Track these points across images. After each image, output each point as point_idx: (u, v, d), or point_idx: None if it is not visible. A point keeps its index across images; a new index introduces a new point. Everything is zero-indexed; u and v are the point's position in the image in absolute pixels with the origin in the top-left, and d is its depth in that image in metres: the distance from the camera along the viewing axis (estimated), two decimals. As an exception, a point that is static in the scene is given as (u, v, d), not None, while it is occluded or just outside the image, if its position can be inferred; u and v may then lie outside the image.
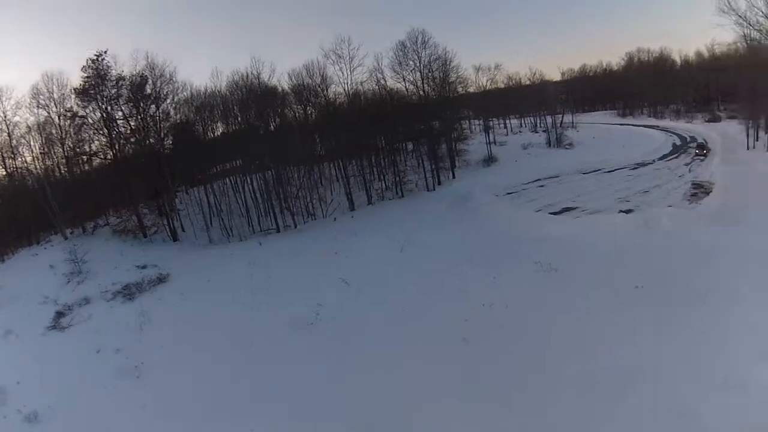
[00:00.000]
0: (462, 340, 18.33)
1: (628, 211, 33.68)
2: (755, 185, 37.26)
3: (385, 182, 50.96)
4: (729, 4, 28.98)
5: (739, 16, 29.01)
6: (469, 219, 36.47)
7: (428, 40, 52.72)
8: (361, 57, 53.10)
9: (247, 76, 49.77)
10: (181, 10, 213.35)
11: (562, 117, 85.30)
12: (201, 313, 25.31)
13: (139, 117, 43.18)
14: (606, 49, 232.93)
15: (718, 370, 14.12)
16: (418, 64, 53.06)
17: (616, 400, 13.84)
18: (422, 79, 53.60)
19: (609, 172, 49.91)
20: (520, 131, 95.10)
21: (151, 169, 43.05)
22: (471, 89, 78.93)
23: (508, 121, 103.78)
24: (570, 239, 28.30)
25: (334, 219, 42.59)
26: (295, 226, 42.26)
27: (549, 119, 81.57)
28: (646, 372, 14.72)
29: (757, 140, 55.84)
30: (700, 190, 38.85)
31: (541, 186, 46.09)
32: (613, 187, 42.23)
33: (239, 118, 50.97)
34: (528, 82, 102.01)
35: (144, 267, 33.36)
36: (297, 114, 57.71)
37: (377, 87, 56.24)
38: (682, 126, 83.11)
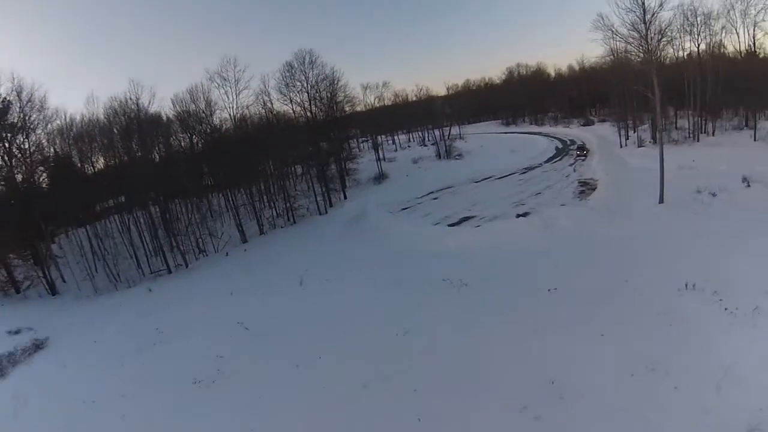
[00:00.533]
0: (380, 378, 16.08)
1: (525, 214, 34.27)
2: (631, 178, 40.65)
3: (276, 209, 48.28)
4: (602, 20, 33.89)
5: (611, 30, 33.64)
6: (366, 240, 34.86)
7: (316, 59, 52.11)
8: (247, 79, 50.98)
9: (126, 101, 45.14)
10: (50, 29, 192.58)
11: (450, 129, 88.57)
12: (86, 384, 20.33)
13: (3, 150, 36.75)
14: (488, 64, 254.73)
15: (657, 366, 13.56)
16: (305, 85, 52.27)
17: (562, 407, 12.76)
18: (309, 100, 52.77)
19: (500, 178, 51.58)
20: (408, 146, 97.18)
21: (21, 211, 36.46)
22: (359, 108, 79.98)
23: (396, 137, 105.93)
24: (474, 250, 27.66)
25: (227, 254, 39.21)
26: (187, 266, 38.13)
27: (437, 132, 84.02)
28: (586, 375, 13.81)
29: (628, 139, 61.75)
30: (586, 187, 41.25)
31: (435, 198, 46.08)
32: (506, 193, 43.30)
33: (121, 149, 45.94)
34: (415, 98, 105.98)
35: (17, 332, 27.16)
36: (183, 143, 53.76)
37: (264, 110, 54.66)
38: (561, 130, 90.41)
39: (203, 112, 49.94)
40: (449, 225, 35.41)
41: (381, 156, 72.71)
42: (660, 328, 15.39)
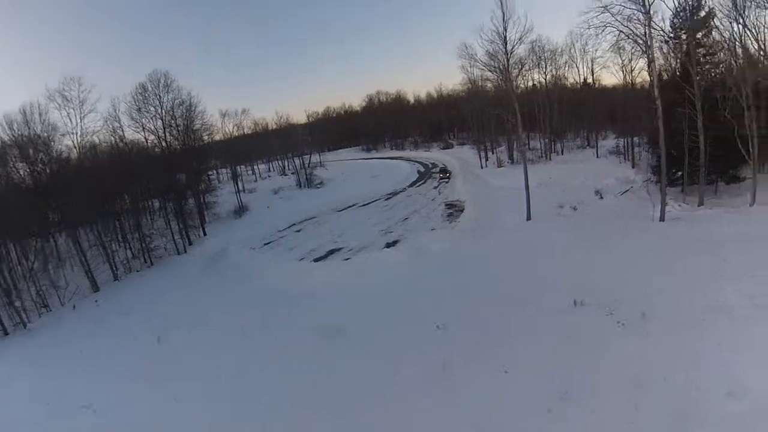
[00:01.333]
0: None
1: (394, 243, 32.89)
2: (496, 197, 42.21)
3: (131, 250, 41.90)
4: (466, 49, 39.52)
5: (473, 59, 39.38)
6: (228, 283, 30.86)
7: (171, 83, 48.07)
8: (93, 101, 44.01)
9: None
10: None
11: (310, 157, 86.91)
12: None
13: None
14: (348, 92, 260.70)
15: (569, 393, 12.38)
16: (159, 111, 47.87)
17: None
18: (164, 128, 48.35)
19: (365, 205, 50.29)
20: (269, 176, 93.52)
21: None
22: (218, 136, 75.85)
23: (256, 167, 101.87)
24: (346, 286, 25.25)
25: (74, 307, 32.36)
26: (25, 325, 30.31)
27: (297, 161, 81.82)
28: (502, 422, 12.11)
29: (487, 160, 65.05)
30: (454, 209, 41.44)
31: (299, 231, 43.17)
32: (372, 220, 41.92)
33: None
34: (275, 126, 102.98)
35: None
36: (23, 174, 44.55)
37: (113, 138, 49.08)
38: (422, 155, 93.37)
39: (38, 136, 42.40)
40: (316, 259, 32.74)
41: (241, 187, 70.05)
42: (560, 352, 14.29)
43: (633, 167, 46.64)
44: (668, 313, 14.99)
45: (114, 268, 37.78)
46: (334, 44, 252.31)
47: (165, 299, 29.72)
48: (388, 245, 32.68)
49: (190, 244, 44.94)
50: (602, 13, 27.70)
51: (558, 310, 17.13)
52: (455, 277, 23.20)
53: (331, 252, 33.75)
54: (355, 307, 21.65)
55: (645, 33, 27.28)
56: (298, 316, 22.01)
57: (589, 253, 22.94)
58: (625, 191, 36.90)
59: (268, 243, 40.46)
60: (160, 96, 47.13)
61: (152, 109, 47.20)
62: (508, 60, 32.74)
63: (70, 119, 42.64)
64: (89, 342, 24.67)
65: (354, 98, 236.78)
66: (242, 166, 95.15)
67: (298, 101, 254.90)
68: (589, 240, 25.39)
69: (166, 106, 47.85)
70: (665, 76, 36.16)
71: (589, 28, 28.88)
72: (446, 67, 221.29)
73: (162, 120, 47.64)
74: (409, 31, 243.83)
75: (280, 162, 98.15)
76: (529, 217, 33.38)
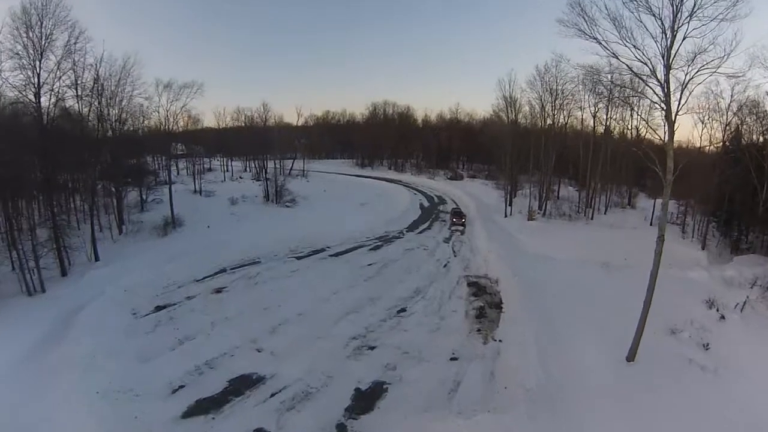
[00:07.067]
0: None
1: (374, 399, 14.47)
2: (545, 280, 25.27)
3: None
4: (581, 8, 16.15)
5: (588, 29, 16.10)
6: None
7: (65, 14, 27.24)
8: None
9: None
10: None
11: (293, 163, 68.92)
12: None
13: None
14: (351, 99, 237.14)
15: None
16: (36, 56, 26.68)
17: None
18: (40, 84, 27.28)
19: (338, 255, 31.56)
20: (240, 178, 74.87)
21: None
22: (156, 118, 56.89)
23: (231, 164, 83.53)
24: None
25: None
26: None
27: (275, 165, 63.88)
28: None
29: (510, 205, 47.90)
30: (485, 299, 23.55)
31: (219, 291, 24.27)
32: (342, 299, 23.16)
33: None
34: (260, 121, 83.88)
35: None
36: None
37: None
38: (426, 182, 75.68)
39: None
40: (196, 405, 14.05)
41: (197, 187, 54.99)
42: None
43: (703, 248, 34.21)
44: None
45: None
46: (343, 47, 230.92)
47: None
48: (359, 398, 14.58)
49: (65, 274, 26.66)
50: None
51: None
52: None
53: (236, 389, 14.87)
54: None
55: None
56: None
57: None
58: (743, 304, 22.42)
59: (161, 308, 21.64)
60: (40, 32, 26.01)
61: (24, 50, 25.95)
62: (669, 48, 14.69)
63: None
64: None
65: (356, 106, 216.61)
66: (215, 160, 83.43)
67: (294, 100, 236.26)
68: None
69: (53, 51, 27.31)
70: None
71: None
72: (465, 89, 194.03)
73: (37, 72, 26.43)
74: (429, 45, 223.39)
75: (257, 163, 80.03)
76: (631, 356, 16.75)
